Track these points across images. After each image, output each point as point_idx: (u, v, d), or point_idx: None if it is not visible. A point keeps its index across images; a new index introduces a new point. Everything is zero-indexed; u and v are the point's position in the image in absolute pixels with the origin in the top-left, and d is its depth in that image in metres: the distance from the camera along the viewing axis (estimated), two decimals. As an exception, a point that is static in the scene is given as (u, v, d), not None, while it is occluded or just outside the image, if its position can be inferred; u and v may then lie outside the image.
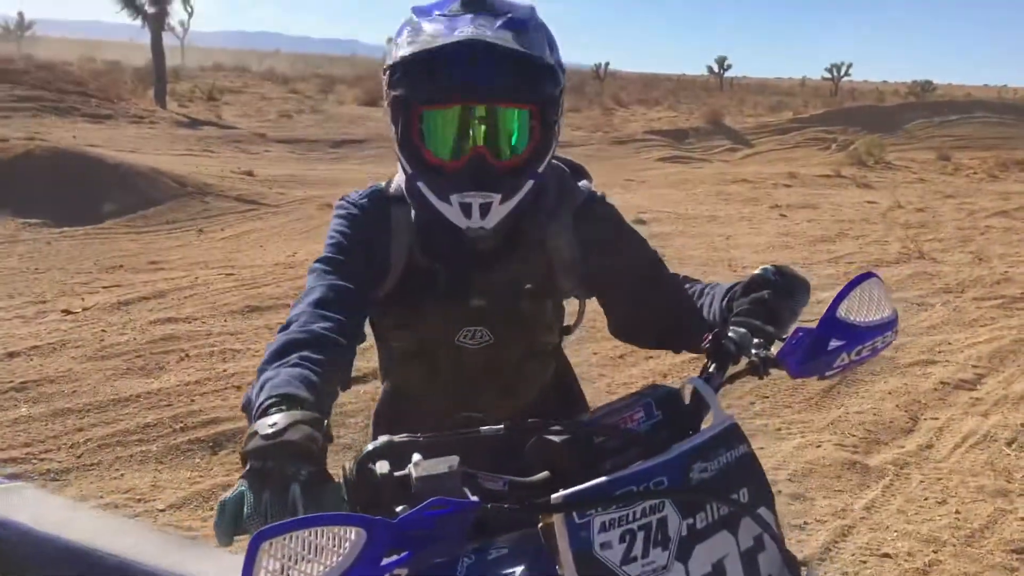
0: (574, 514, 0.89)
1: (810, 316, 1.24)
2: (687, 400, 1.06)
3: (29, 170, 9.80)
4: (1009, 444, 4.19)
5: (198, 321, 5.69)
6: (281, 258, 7.68)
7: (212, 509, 3.19)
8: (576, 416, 1.13)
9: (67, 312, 5.78)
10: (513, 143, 1.36)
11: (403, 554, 0.78)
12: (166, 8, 24.64)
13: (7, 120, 15.01)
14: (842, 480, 3.75)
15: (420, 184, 1.36)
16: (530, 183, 1.37)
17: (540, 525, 0.92)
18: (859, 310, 1.16)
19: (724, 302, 1.36)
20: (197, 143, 16.28)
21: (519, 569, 0.99)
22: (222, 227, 9.42)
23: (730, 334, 1.17)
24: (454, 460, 0.87)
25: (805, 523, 3.37)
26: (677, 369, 5.05)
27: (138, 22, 24.58)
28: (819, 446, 4.07)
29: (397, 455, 0.90)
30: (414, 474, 0.86)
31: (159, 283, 6.68)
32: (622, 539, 0.90)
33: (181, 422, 4.10)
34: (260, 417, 0.99)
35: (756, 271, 1.29)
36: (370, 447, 0.90)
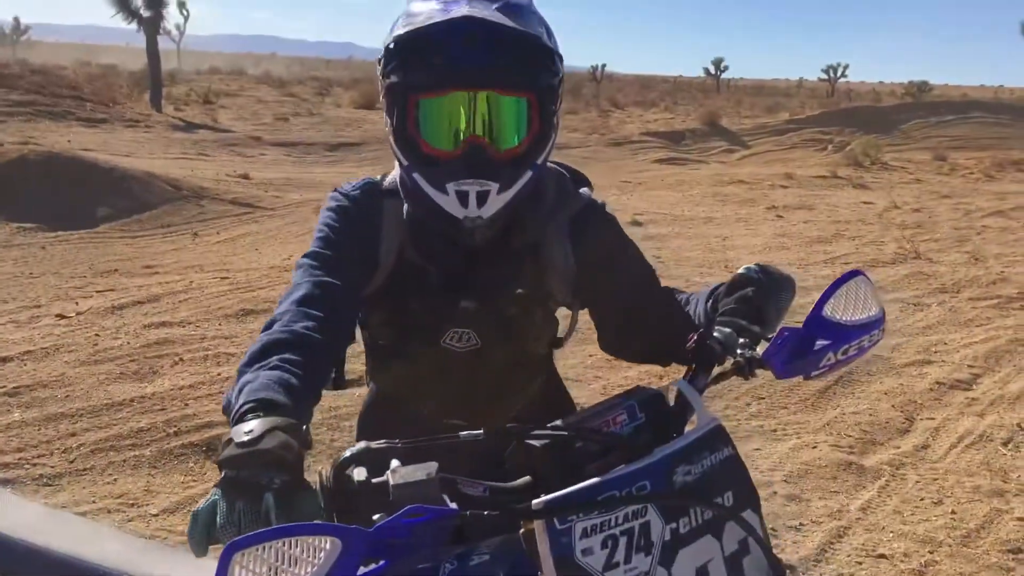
0: (555, 520, 0.88)
1: (800, 315, 1.23)
2: (671, 402, 1.05)
3: (23, 175, 9.77)
4: (1005, 444, 4.19)
5: (192, 325, 5.67)
6: (276, 261, 7.66)
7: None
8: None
9: (61, 316, 5.76)
10: (511, 132, 1.32)
11: (379, 563, 0.76)
12: (161, 12, 24.63)
13: (1, 125, 14.97)
14: (838, 481, 3.75)
15: (416, 175, 1.32)
16: (528, 174, 1.33)
17: (521, 531, 0.90)
18: (845, 309, 1.14)
19: (708, 303, 1.35)
20: (192, 147, 16.25)
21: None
22: (217, 231, 9.39)
23: (715, 334, 1.16)
24: (432, 467, 0.86)
25: (801, 524, 3.36)
26: (674, 371, 5.03)
27: (133, 26, 24.56)
28: (815, 447, 4.07)
29: (375, 461, 0.88)
30: (391, 481, 0.85)
31: (153, 287, 6.66)
32: (604, 544, 0.89)
33: (175, 426, 4.08)
34: (237, 422, 0.97)
35: (739, 270, 1.27)
36: (347, 453, 0.88)
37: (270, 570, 0.73)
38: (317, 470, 0.91)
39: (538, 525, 0.88)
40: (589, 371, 4.95)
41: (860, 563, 3.12)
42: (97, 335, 5.37)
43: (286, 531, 0.74)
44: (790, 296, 1.30)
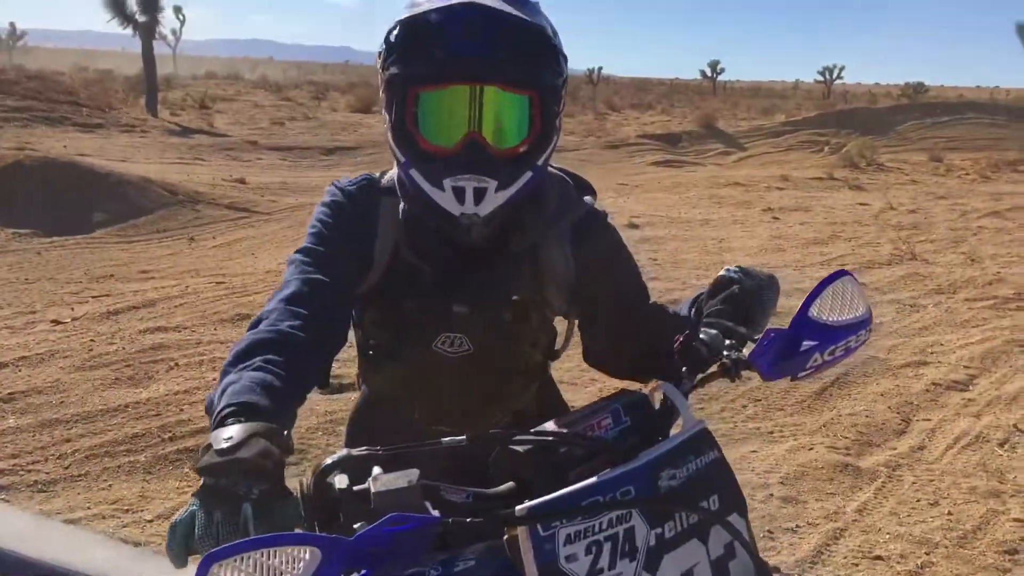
0: (538, 526, 0.87)
1: (788, 316, 1.22)
2: (657, 405, 1.04)
3: (19, 180, 9.76)
4: (1001, 445, 4.18)
5: (188, 330, 5.66)
6: (272, 266, 7.65)
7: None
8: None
9: (56, 322, 5.75)
10: (512, 130, 1.28)
11: (361, 573, 0.76)
12: (157, 17, 24.61)
13: (-2, 130, 14.97)
14: (834, 483, 3.74)
15: (412, 172, 1.28)
16: (528, 174, 1.29)
17: (505, 537, 0.89)
18: (832, 309, 1.13)
19: (692, 311, 1.34)
20: (188, 151, 16.23)
21: (483, 583, 0.96)
22: (213, 235, 9.38)
23: (701, 336, 1.15)
24: (414, 474, 0.85)
25: (797, 526, 3.36)
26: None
27: (129, 31, 24.55)
28: (811, 449, 4.06)
29: (358, 468, 0.88)
30: (373, 489, 0.84)
31: (149, 292, 6.65)
32: (588, 551, 0.88)
33: (170, 432, 4.07)
34: (217, 426, 0.96)
35: (720, 272, 1.27)
36: (328, 461, 0.88)
37: None
38: (299, 478, 0.90)
39: (521, 531, 0.87)
40: (585, 373, 4.92)
41: (856, 565, 3.11)
42: (92, 340, 5.35)
43: (265, 541, 0.73)
44: (774, 295, 1.29)
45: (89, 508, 3.39)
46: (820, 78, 57.12)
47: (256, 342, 1.14)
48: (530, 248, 1.41)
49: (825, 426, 4.37)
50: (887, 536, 3.30)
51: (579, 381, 4.75)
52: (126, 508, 3.42)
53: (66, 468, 3.71)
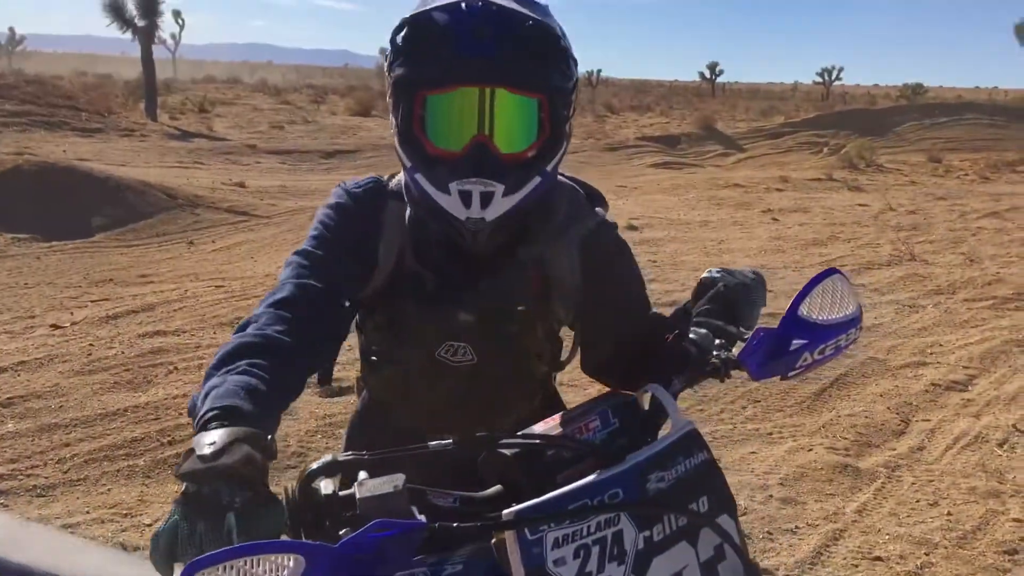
0: (526, 530, 0.86)
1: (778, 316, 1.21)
2: (646, 406, 1.04)
3: (18, 185, 9.76)
4: (1000, 445, 4.17)
5: (187, 334, 5.66)
6: (272, 269, 7.65)
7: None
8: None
9: (55, 327, 5.74)
10: (520, 134, 1.25)
11: (346, 579, 0.75)
12: (156, 21, 24.65)
13: (-3, 135, 14.99)
14: (834, 484, 3.73)
15: (418, 176, 1.25)
16: (537, 180, 1.26)
17: (493, 541, 0.89)
18: (821, 308, 1.13)
19: (680, 313, 1.33)
20: (188, 155, 16.24)
21: (472, 586, 0.96)
22: (213, 239, 9.38)
23: (691, 335, 1.14)
24: (399, 478, 0.84)
25: (796, 527, 3.35)
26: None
27: (128, 35, 24.59)
28: (810, 450, 4.06)
29: (344, 473, 0.87)
30: (358, 494, 0.83)
31: (148, 296, 6.64)
32: (576, 554, 0.88)
33: (168, 436, 4.07)
34: (200, 431, 0.95)
35: (702, 275, 1.26)
36: (313, 466, 0.87)
37: None
38: (284, 484, 0.89)
39: (509, 535, 0.86)
40: (585, 376, 4.93)
41: (856, 565, 3.11)
42: (91, 345, 5.35)
43: (249, 549, 0.73)
44: (763, 294, 1.28)
45: (88, 512, 3.39)
46: (819, 79, 57.18)
47: (242, 345, 1.12)
48: (537, 258, 1.38)
49: (824, 427, 4.36)
50: (887, 537, 3.29)
51: (579, 383, 4.75)
52: (125, 512, 3.42)
53: (65, 472, 3.71)
